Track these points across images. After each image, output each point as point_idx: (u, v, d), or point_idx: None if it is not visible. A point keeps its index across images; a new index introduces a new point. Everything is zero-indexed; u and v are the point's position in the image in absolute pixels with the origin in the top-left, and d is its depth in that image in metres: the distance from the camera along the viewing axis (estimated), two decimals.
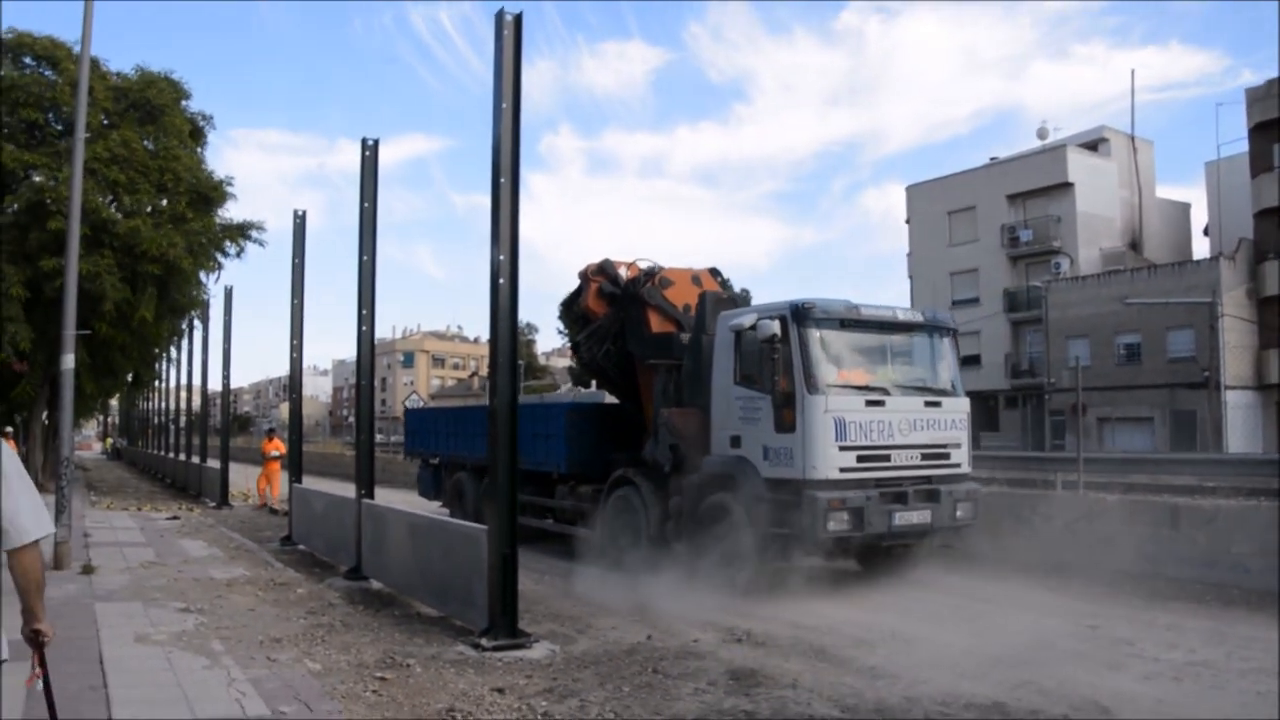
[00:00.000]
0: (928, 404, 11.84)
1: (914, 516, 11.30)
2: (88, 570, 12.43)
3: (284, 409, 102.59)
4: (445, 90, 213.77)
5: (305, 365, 18.10)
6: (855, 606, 10.73)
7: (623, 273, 14.34)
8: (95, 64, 21.94)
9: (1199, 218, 50.75)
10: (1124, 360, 42.20)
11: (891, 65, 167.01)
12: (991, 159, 52.38)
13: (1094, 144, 49.59)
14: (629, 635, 9.20)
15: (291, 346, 17.09)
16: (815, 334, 11.24)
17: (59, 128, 22.58)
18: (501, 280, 8.88)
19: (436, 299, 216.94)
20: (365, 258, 12.99)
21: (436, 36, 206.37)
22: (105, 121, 22.85)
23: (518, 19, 8.94)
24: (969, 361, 48.84)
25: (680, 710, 6.81)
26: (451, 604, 9.77)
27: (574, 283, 15.10)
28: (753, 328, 11.37)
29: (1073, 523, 12.97)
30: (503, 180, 8.89)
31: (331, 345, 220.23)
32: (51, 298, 19.11)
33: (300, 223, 16.93)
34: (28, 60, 23.03)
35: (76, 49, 19.40)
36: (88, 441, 78.43)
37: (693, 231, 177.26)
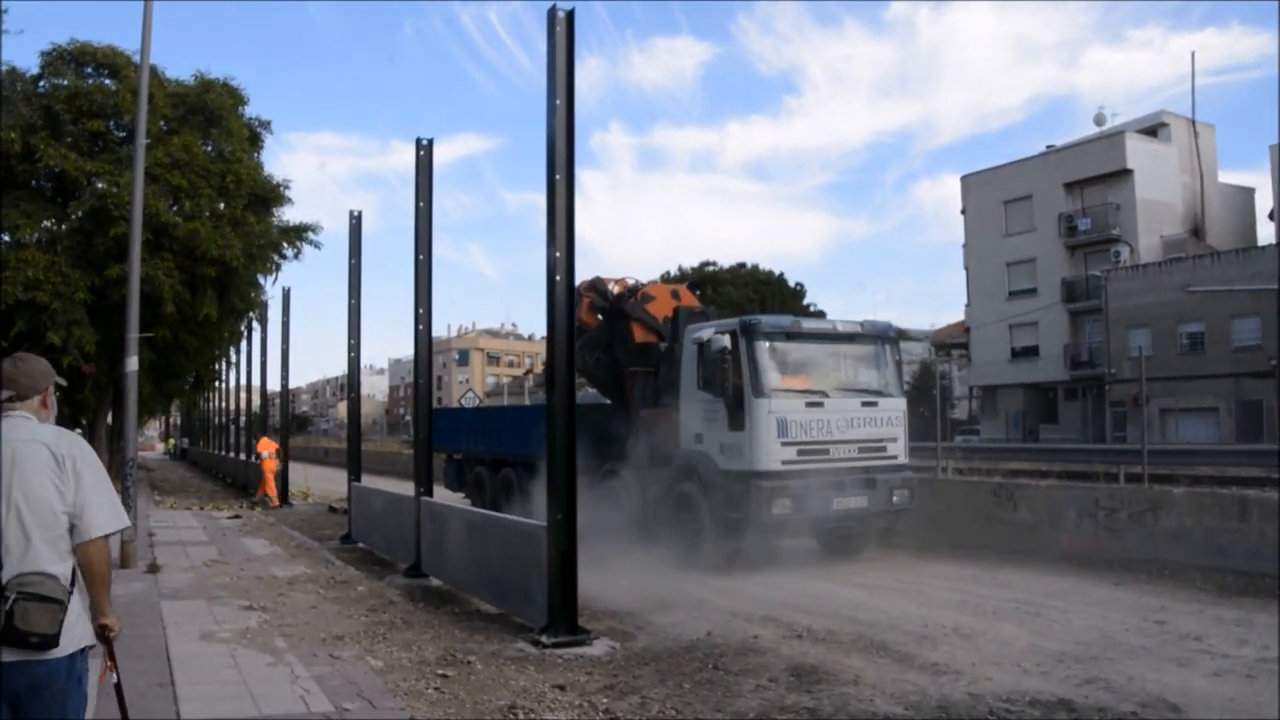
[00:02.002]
0: (865, 404, 13.45)
1: (851, 502, 12.91)
2: (153, 569, 12.65)
3: (342, 408, 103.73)
4: (496, 89, 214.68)
5: (362, 364, 18.26)
6: (914, 602, 10.63)
7: (612, 288, 15.98)
8: (154, 71, 22.26)
9: (1264, 202, 49.58)
10: (1187, 350, 41.35)
11: (943, 55, 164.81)
12: (1048, 147, 51.55)
13: (1153, 129, 48.68)
14: (688, 632, 9.19)
15: (349, 346, 17.31)
16: (761, 345, 13.00)
17: (120, 135, 22.95)
18: (558, 277, 8.90)
19: (490, 297, 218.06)
20: (421, 257, 13.09)
21: (486, 36, 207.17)
22: (165, 127, 23.19)
23: (570, 16, 8.95)
24: (1027, 352, 48.59)
25: (741, 707, 6.78)
26: (510, 601, 9.82)
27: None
28: (709, 341, 13.05)
29: (1138, 515, 12.75)
30: (558, 177, 8.91)
31: (387, 344, 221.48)
32: (115, 302, 19.43)
33: (356, 224, 17.11)
34: (89, 70, 23.45)
35: (136, 57, 19.75)
36: (151, 442, 79.66)
37: (745, 225, 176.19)
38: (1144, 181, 45.73)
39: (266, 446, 26.77)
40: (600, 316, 16.02)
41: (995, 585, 11.64)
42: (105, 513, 3.52)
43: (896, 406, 13.75)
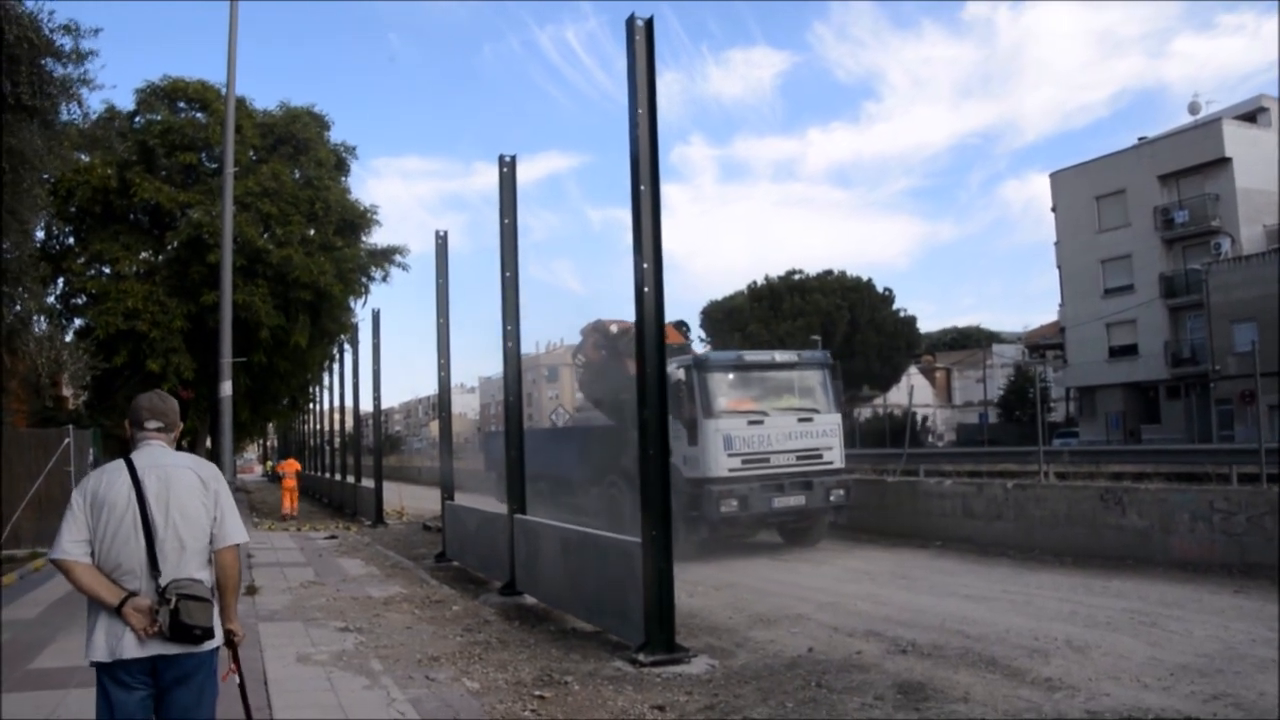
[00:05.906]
0: (801, 420, 16.07)
1: (790, 500, 15.64)
2: (251, 591, 12.78)
3: (434, 427, 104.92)
4: (576, 108, 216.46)
5: (453, 383, 18.40)
6: (1022, 614, 10.26)
7: (612, 329, 18.93)
8: (242, 102, 22.78)
9: None
10: None
11: (1024, 53, 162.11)
12: (1140, 139, 50.09)
13: (1252, 115, 47.02)
14: (789, 648, 8.97)
15: (439, 365, 17.38)
16: (709, 376, 15.78)
17: (212, 166, 23.50)
18: (646, 289, 8.78)
19: (578, 313, 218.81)
20: (508, 274, 13.06)
21: (565, 56, 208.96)
22: (254, 157, 23.70)
23: (649, 23, 8.84)
24: (1126, 351, 47.25)
25: None
26: (606, 618, 9.70)
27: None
28: (669, 374, 14.91)
29: (1257, 518, 12.17)
30: (643, 187, 8.79)
31: (477, 363, 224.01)
32: (211, 328, 19.86)
33: (442, 243, 17.20)
34: (181, 104, 24.08)
35: (225, 90, 20.19)
36: (249, 465, 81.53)
37: (830, 232, 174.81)
38: (1244, 169, 44.11)
39: (287, 468, 29.33)
40: (603, 352, 19.26)
41: (1106, 594, 11.22)
42: (238, 526, 4.08)
43: (832, 421, 16.40)
